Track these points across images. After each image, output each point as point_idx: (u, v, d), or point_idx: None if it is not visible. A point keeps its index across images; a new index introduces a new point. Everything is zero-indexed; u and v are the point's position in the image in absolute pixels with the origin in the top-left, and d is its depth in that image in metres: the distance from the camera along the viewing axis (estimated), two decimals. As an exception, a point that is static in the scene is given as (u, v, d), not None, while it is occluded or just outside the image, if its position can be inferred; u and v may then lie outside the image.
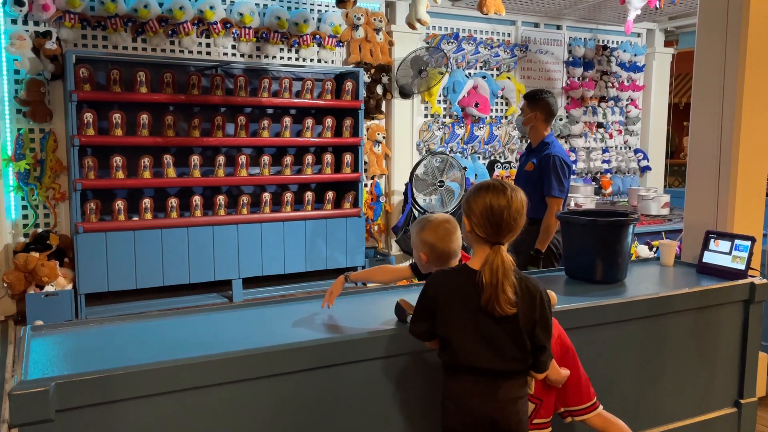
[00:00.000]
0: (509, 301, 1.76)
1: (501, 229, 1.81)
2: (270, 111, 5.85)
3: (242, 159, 5.53)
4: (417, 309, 1.94)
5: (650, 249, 5.60)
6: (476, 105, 6.89)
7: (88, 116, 4.89)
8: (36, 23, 5.03)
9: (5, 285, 4.81)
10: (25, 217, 5.15)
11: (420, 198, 6.15)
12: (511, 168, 7.14)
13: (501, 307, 1.76)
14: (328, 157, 5.94)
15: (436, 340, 1.93)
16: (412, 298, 2.05)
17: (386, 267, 2.51)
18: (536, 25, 7.43)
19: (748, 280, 2.91)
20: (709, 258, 3.09)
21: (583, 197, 6.55)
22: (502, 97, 7.20)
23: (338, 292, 2.36)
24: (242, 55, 5.80)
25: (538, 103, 3.69)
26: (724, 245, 3.04)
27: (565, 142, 7.63)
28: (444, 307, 1.86)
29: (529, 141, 3.96)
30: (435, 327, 1.90)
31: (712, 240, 3.10)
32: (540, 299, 1.85)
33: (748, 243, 2.94)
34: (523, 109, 3.76)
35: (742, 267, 2.93)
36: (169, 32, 5.43)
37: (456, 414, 1.90)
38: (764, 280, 2.94)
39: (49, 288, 4.77)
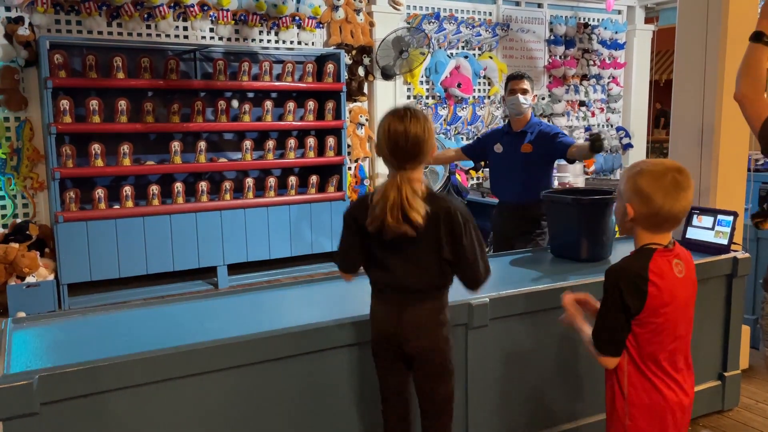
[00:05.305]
0: (395, 225, 1.77)
1: (397, 154, 1.82)
2: (251, 95, 5.78)
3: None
4: (342, 234, 1.98)
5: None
6: (459, 85, 6.85)
7: (65, 103, 4.79)
8: (7, 9, 4.89)
9: (-15, 277, 4.73)
10: (3, 207, 5.06)
11: (404, 180, 6.12)
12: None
13: (386, 230, 1.79)
14: (311, 141, 5.88)
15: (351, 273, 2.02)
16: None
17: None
18: (517, 3, 7.39)
19: (731, 254, 2.94)
20: (692, 234, 3.11)
21: (573, 176, 6.54)
22: (484, 77, 7.17)
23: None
24: (221, 39, 5.70)
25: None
26: (707, 221, 3.06)
27: (548, 121, 7.63)
28: (360, 228, 1.89)
29: (507, 124, 3.71)
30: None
31: (695, 216, 3.12)
32: (447, 217, 1.82)
33: (731, 218, 2.97)
34: (528, 89, 3.58)
35: (725, 242, 2.96)
36: (145, 16, 5.32)
37: (371, 330, 1.97)
38: (747, 255, 2.97)
39: (30, 279, 4.70)
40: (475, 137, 3.95)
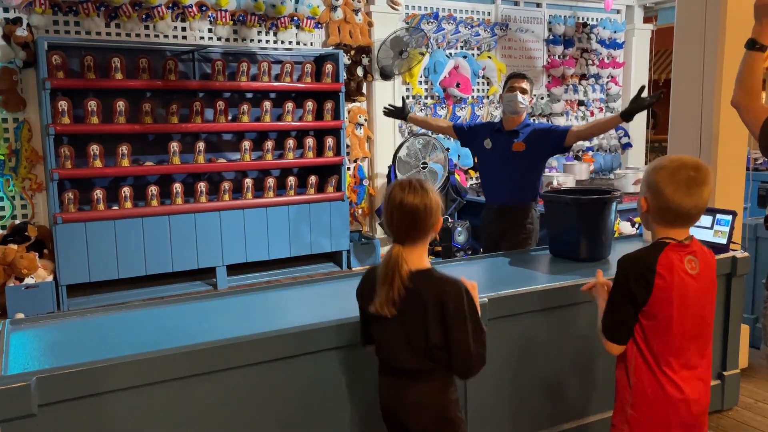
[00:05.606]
0: (387, 302, 1.71)
1: (392, 224, 1.75)
2: (249, 95, 5.77)
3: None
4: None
5: (633, 225, 5.65)
6: (457, 85, 6.85)
7: (63, 104, 4.78)
8: (5, 9, 4.89)
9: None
10: (2, 208, 5.05)
11: (403, 180, 6.12)
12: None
13: (378, 307, 1.73)
14: (310, 141, 5.88)
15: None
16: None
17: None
18: (516, 3, 7.39)
19: (730, 254, 2.93)
20: (691, 233, 3.10)
21: (563, 176, 6.55)
22: (483, 77, 7.17)
23: None
24: (219, 39, 5.70)
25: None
26: (705, 220, 3.05)
27: (547, 120, 7.63)
28: (365, 302, 1.84)
29: (500, 122, 3.66)
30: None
31: (694, 215, 3.11)
32: (436, 300, 1.70)
33: (730, 217, 2.96)
34: (528, 90, 3.54)
35: (724, 241, 2.95)
36: (144, 16, 5.32)
37: (379, 402, 1.90)
38: (746, 254, 2.97)
39: (29, 280, 4.69)
40: (468, 124, 3.92)
